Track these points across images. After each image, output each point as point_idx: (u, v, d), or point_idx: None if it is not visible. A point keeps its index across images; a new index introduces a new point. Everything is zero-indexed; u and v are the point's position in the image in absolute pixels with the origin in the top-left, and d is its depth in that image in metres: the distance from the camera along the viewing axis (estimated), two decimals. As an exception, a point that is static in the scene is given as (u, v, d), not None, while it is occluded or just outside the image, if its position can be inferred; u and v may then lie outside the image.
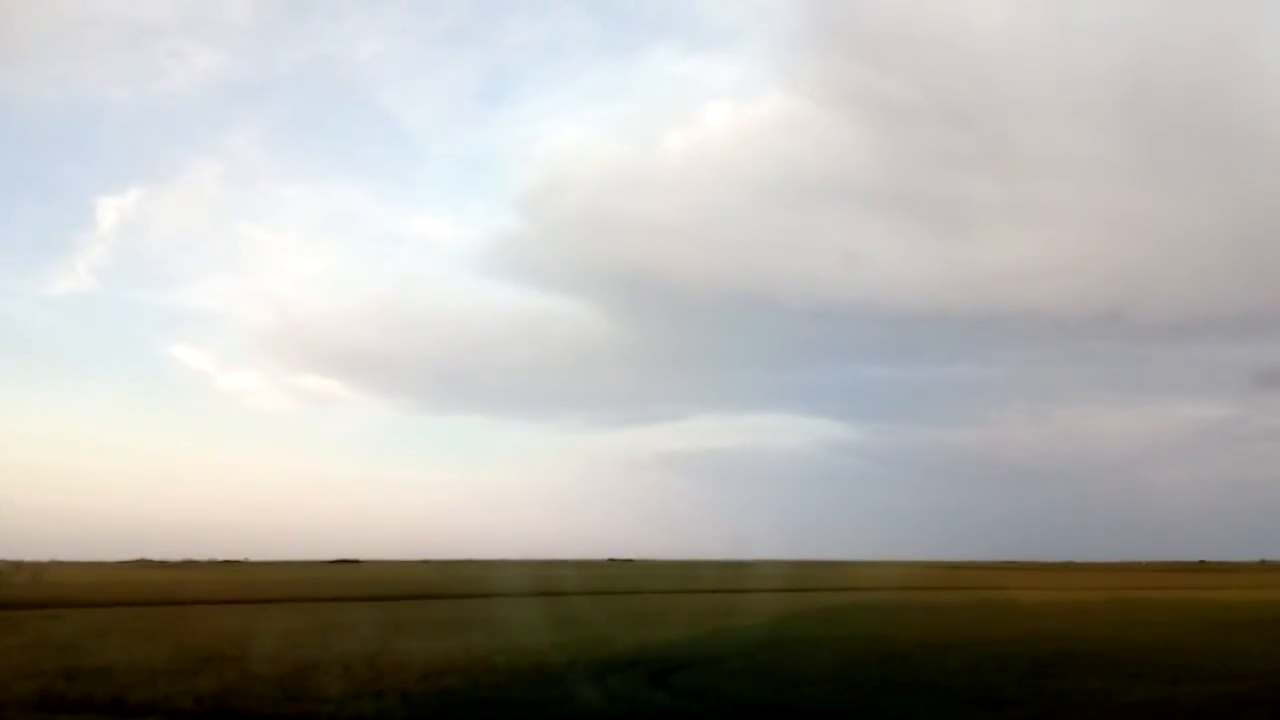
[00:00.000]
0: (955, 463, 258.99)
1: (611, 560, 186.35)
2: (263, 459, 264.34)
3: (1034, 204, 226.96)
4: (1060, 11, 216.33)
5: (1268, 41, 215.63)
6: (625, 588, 70.71)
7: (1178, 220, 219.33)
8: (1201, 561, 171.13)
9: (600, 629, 32.07)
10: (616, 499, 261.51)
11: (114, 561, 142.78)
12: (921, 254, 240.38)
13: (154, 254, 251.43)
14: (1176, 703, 16.77)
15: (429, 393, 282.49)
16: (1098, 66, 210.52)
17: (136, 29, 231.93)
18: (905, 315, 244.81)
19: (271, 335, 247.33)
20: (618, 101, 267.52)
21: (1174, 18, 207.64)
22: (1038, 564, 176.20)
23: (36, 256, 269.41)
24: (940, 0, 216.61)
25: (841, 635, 29.48)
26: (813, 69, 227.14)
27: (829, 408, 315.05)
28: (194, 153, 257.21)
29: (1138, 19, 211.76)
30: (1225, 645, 26.74)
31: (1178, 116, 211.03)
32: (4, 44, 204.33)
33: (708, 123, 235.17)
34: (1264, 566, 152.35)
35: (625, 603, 51.63)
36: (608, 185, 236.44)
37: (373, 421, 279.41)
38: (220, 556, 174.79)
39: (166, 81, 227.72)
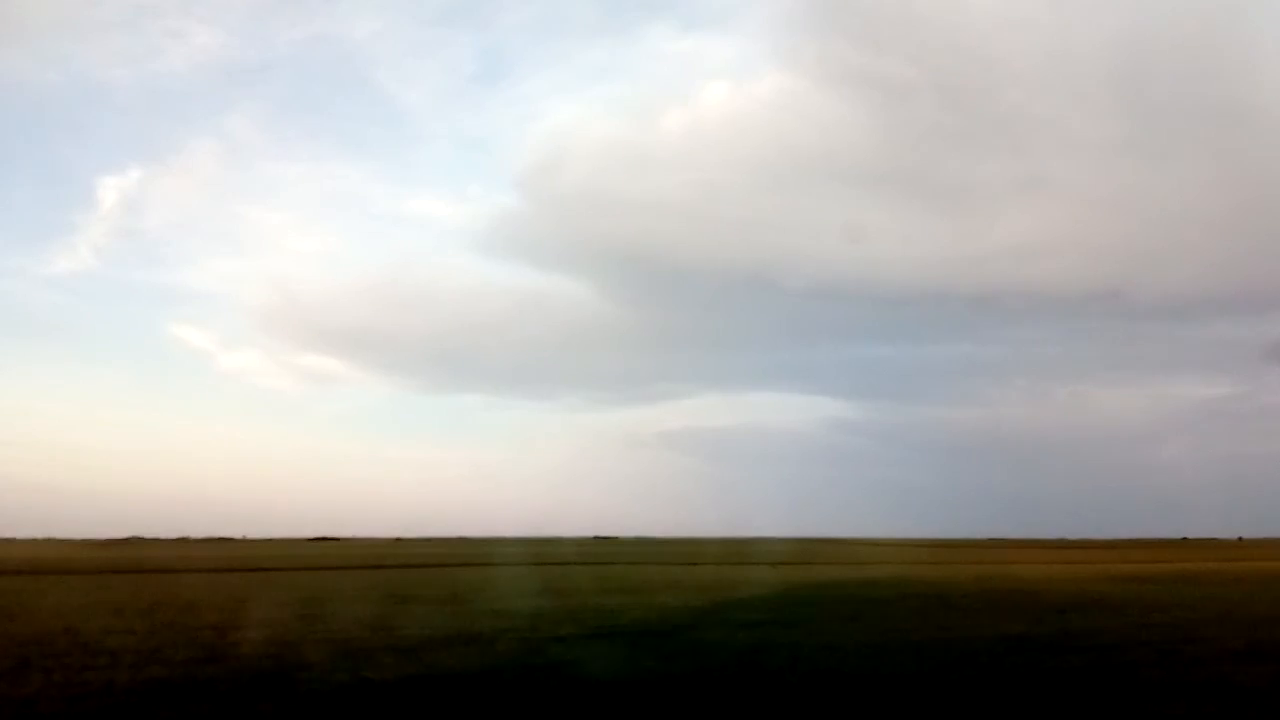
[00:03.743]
0: (955, 441, 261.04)
1: (597, 538, 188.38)
2: (263, 437, 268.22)
3: (1033, 182, 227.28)
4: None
5: (1265, 17, 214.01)
6: (560, 560, 72.54)
7: (1177, 197, 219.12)
8: (1184, 538, 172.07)
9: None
10: (618, 477, 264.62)
11: (103, 539, 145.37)
12: (920, 232, 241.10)
13: (154, 234, 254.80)
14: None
15: (429, 371, 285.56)
16: (1095, 43, 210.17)
17: (135, 9, 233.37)
18: (905, 294, 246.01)
19: (272, 315, 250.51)
20: (615, 81, 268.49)
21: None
22: (1036, 541, 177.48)
23: (38, 236, 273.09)
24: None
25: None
26: (810, 48, 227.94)
27: (829, 386, 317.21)
28: (193, 133, 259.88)
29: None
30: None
31: (1176, 92, 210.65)
32: (4, 25, 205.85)
33: (706, 102, 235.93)
34: (1240, 543, 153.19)
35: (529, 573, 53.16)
36: (606, 164, 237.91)
37: (373, 400, 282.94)
38: (217, 534, 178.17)
39: (165, 62, 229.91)
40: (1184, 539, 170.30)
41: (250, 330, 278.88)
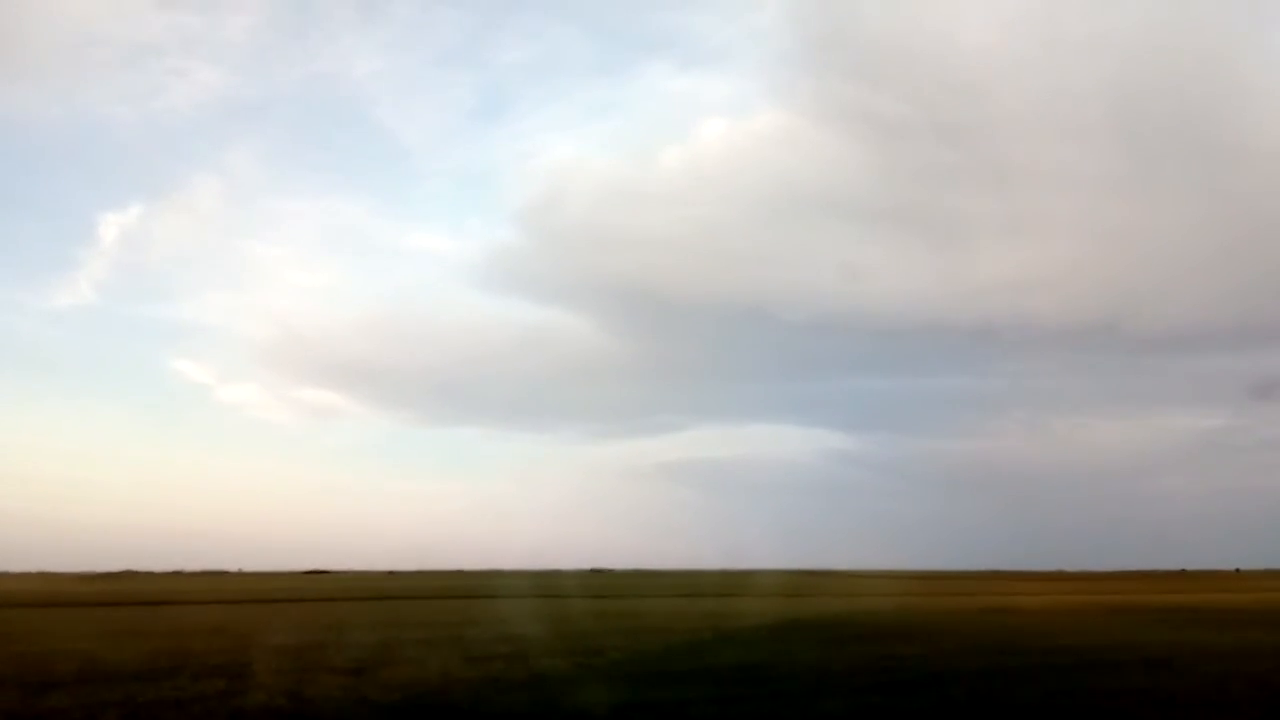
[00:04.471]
0: (954, 473, 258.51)
1: (593, 570, 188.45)
2: (263, 471, 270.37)
3: (1028, 217, 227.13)
4: (1049, 27, 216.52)
5: (1255, 56, 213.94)
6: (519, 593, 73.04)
7: (1171, 232, 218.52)
8: (1182, 570, 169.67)
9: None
10: (617, 509, 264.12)
11: (95, 573, 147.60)
12: (917, 267, 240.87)
13: (155, 269, 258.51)
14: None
15: (428, 405, 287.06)
16: (1088, 81, 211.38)
17: (138, 48, 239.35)
18: (902, 327, 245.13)
19: (272, 348, 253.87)
20: (613, 118, 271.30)
21: (1161, 32, 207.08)
22: (1032, 573, 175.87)
23: (39, 271, 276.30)
24: (931, 17, 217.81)
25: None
26: (806, 86, 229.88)
27: (827, 418, 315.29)
28: (195, 169, 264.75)
29: (1126, 34, 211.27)
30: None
31: (1168, 130, 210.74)
32: (8, 62, 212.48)
33: (703, 139, 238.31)
34: (1238, 575, 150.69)
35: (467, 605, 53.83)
36: (605, 200, 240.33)
37: (373, 433, 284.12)
38: (214, 567, 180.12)
39: (167, 99, 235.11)
40: (1183, 571, 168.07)
41: (250, 364, 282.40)
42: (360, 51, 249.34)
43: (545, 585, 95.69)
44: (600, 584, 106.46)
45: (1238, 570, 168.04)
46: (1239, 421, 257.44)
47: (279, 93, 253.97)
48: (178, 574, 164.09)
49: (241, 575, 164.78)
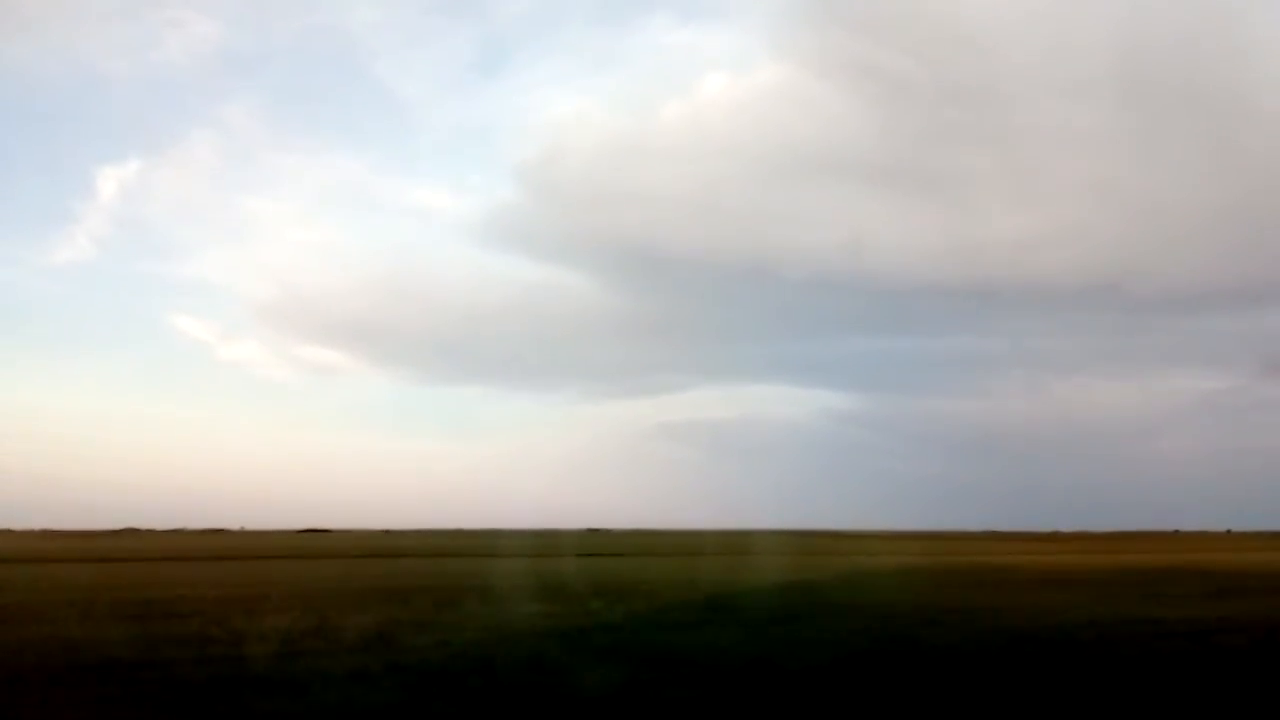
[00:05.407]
0: (954, 433, 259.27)
1: (589, 530, 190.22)
2: (263, 428, 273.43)
3: (1032, 176, 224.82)
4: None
5: (1262, 13, 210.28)
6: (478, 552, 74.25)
7: (1175, 192, 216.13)
8: (1176, 531, 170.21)
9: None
10: (617, 469, 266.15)
11: (99, 530, 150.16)
12: (920, 226, 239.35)
13: (154, 224, 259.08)
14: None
15: (428, 363, 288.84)
16: (1093, 36, 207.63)
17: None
18: (904, 287, 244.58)
19: (271, 306, 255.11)
20: (614, 72, 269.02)
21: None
22: (1027, 534, 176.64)
23: (38, 226, 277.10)
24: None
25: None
26: (809, 40, 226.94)
27: (828, 378, 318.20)
28: (193, 123, 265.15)
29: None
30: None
31: (1175, 89, 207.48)
32: (4, 16, 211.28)
33: (705, 93, 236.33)
34: (1227, 536, 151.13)
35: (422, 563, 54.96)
36: (605, 156, 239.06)
37: (372, 391, 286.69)
38: (215, 525, 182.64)
39: (165, 51, 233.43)
40: (1176, 532, 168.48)
41: (250, 321, 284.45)
42: (358, 3, 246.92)
43: (521, 546, 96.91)
44: (590, 544, 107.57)
45: (1229, 531, 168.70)
46: (1239, 382, 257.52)
47: (277, 46, 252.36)
48: (179, 531, 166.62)
49: (242, 533, 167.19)
